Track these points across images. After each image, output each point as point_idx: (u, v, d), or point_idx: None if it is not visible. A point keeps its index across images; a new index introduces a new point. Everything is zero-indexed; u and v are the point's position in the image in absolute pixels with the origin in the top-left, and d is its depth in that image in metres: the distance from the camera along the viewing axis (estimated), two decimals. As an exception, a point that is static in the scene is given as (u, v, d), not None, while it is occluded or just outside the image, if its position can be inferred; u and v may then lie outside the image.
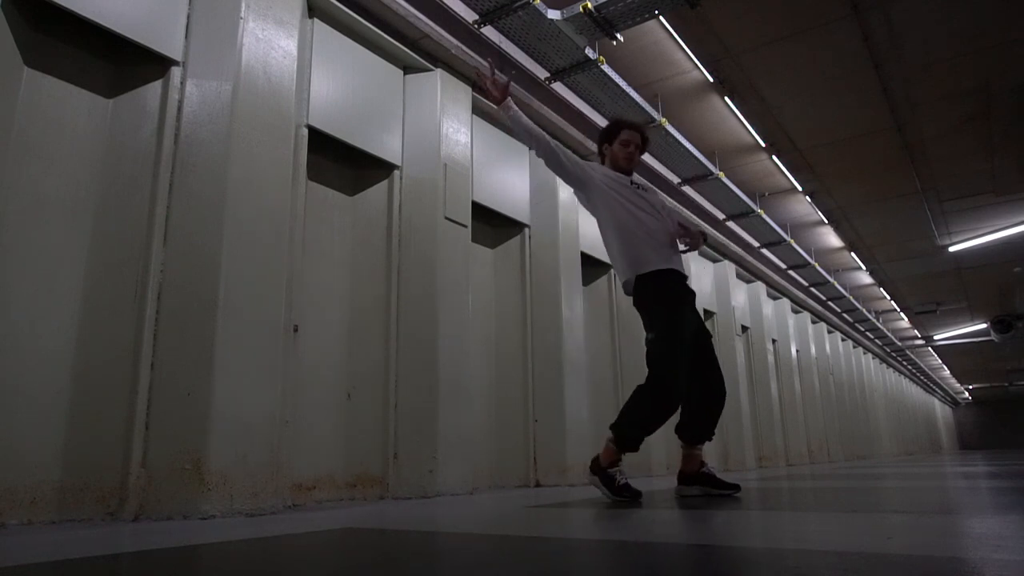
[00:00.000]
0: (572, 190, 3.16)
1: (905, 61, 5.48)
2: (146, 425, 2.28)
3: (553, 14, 4.01)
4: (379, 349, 3.36)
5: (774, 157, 7.03)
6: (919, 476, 4.87)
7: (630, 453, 2.79)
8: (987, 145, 6.98)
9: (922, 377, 22.60)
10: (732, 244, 7.69)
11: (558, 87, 4.71)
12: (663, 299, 2.85)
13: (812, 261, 9.42)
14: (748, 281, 8.71)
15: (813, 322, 10.95)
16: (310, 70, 3.14)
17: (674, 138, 5.53)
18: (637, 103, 4.97)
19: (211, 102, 2.56)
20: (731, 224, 7.86)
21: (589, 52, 4.37)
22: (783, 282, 9.39)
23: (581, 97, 4.98)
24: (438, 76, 3.75)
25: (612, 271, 5.61)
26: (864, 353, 14.49)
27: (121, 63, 2.63)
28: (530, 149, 2.95)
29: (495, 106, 2.96)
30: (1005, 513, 2.07)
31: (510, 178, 4.55)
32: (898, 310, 14.13)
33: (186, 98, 2.57)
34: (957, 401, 33.98)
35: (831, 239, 9.75)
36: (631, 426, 2.75)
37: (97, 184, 2.53)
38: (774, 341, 9.12)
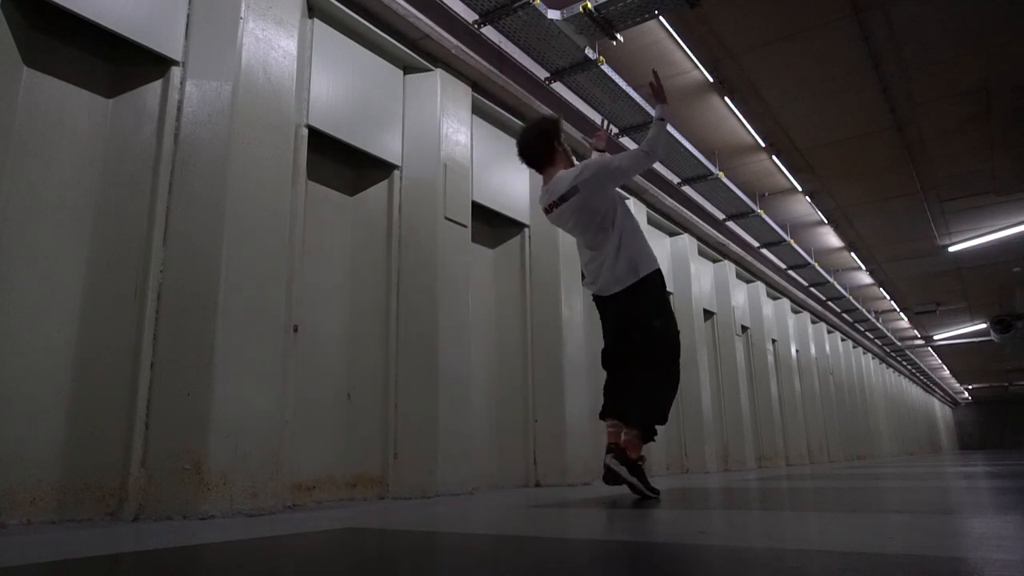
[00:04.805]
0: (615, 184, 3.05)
1: (905, 61, 5.48)
2: (146, 425, 2.28)
3: (553, 14, 4.01)
4: (379, 349, 3.36)
5: (774, 157, 7.03)
6: (919, 476, 4.87)
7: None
8: (987, 145, 6.98)
9: (922, 377, 22.61)
10: (732, 244, 7.69)
11: (558, 87, 4.71)
12: (666, 294, 3.08)
13: (812, 261, 9.42)
14: (748, 281, 8.71)
15: (813, 322, 10.95)
16: (310, 70, 3.14)
17: (674, 138, 5.53)
18: (637, 103, 4.97)
19: (211, 102, 2.56)
20: (731, 224, 7.86)
21: (589, 52, 4.37)
22: (783, 282, 9.39)
23: (581, 97, 4.98)
24: (438, 76, 3.75)
25: (612, 271, 5.60)
26: (864, 353, 14.49)
27: (121, 63, 2.63)
28: (652, 154, 2.92)
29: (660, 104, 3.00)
30: (1005, 513, 2.07)
31: (510, 178, 4.54)
32: (898, 310, 14.14)
33: (186, 98, 2.57)
34: (957, 401, 34.00)
35: (831, 239, 9.75)
36: (661, 416, 2.84)
37: (97, 184, 2.53)
38: (774, 341, 9.12)
